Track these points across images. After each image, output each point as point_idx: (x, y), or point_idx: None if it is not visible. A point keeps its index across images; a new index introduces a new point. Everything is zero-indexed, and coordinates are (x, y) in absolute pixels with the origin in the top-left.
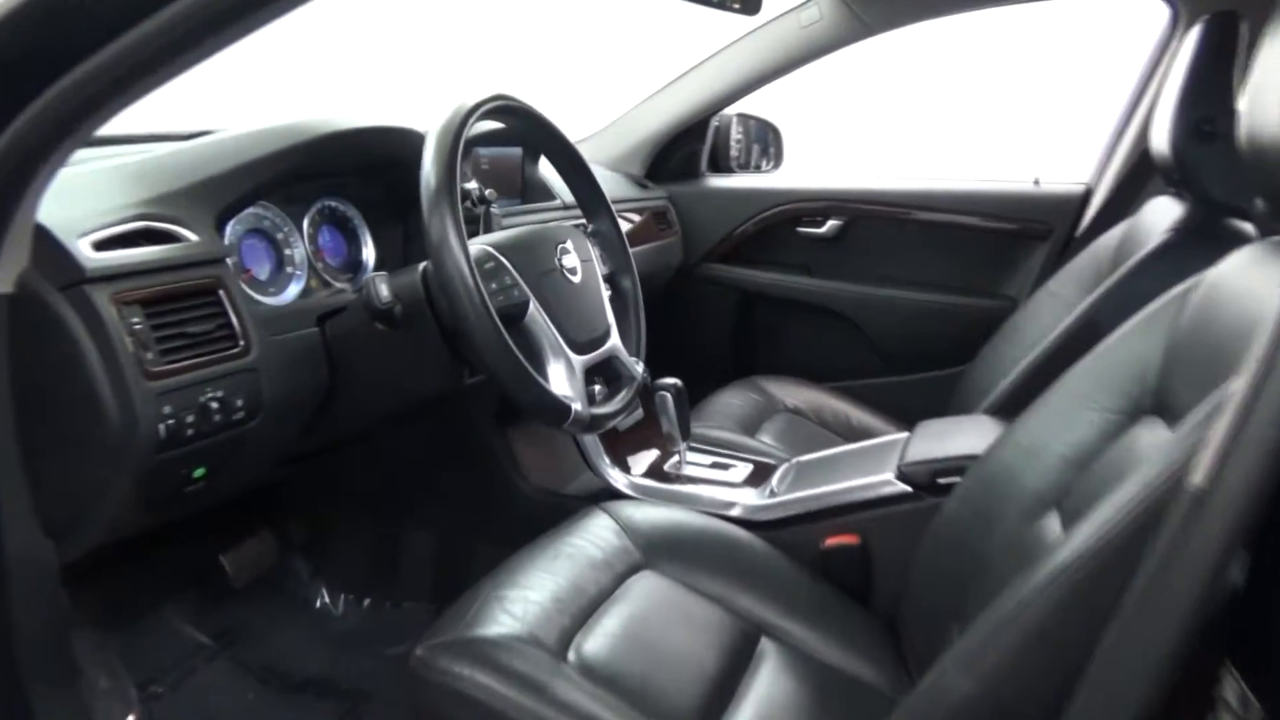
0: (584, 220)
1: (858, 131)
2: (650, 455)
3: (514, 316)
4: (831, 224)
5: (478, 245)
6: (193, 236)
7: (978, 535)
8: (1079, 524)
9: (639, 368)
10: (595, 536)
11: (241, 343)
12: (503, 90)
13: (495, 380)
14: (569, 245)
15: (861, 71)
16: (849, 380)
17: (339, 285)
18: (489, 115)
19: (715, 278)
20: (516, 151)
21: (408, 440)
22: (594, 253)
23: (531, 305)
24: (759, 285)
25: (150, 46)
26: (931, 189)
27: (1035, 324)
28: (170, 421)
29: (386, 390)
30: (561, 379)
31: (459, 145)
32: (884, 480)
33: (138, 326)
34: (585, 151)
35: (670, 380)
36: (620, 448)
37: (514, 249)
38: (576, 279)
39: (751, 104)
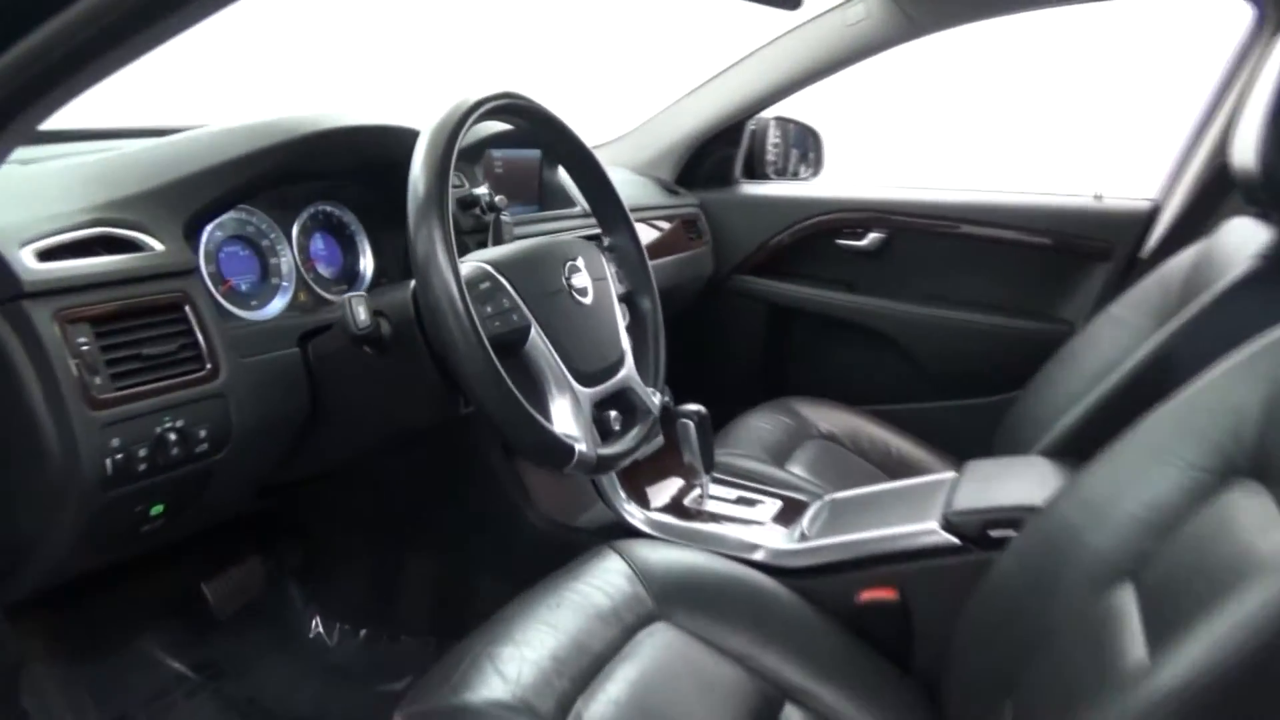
0: (601, 232)
1: (904, 139)
2: (670, 487)
3: (512, 344)
4: (874, 237)
5: (473, 262)
6: (158, 245)
7: (1036, 600)
8: (1176, 633)
9: (656, 399)
10: (604, 581)
11: (208, 365)
12: (510, 87)
13: (486, 418)
14: (580, 262)
15: (908, 75)
16: (889, 404)
17: (331, 298)
18: (493, 115)
19: (747, 291)
20: (535, 154)
21: (410, 463)
22: (609, 270)
23: (533, 331)
24: (794, 300)
25: (90, 28)
26: (983, 201)
27: (1095, 352)
28: (118, 455)
29: (374, 418)
30: (565, 415)
31: (454, 148)
32: (928, 529)
33: (85, 347)
34: (612, 155)
35: (693, 407)
36: (638, 478)
37: (515, 266)
38: (587, 300)
39: (790, 107)
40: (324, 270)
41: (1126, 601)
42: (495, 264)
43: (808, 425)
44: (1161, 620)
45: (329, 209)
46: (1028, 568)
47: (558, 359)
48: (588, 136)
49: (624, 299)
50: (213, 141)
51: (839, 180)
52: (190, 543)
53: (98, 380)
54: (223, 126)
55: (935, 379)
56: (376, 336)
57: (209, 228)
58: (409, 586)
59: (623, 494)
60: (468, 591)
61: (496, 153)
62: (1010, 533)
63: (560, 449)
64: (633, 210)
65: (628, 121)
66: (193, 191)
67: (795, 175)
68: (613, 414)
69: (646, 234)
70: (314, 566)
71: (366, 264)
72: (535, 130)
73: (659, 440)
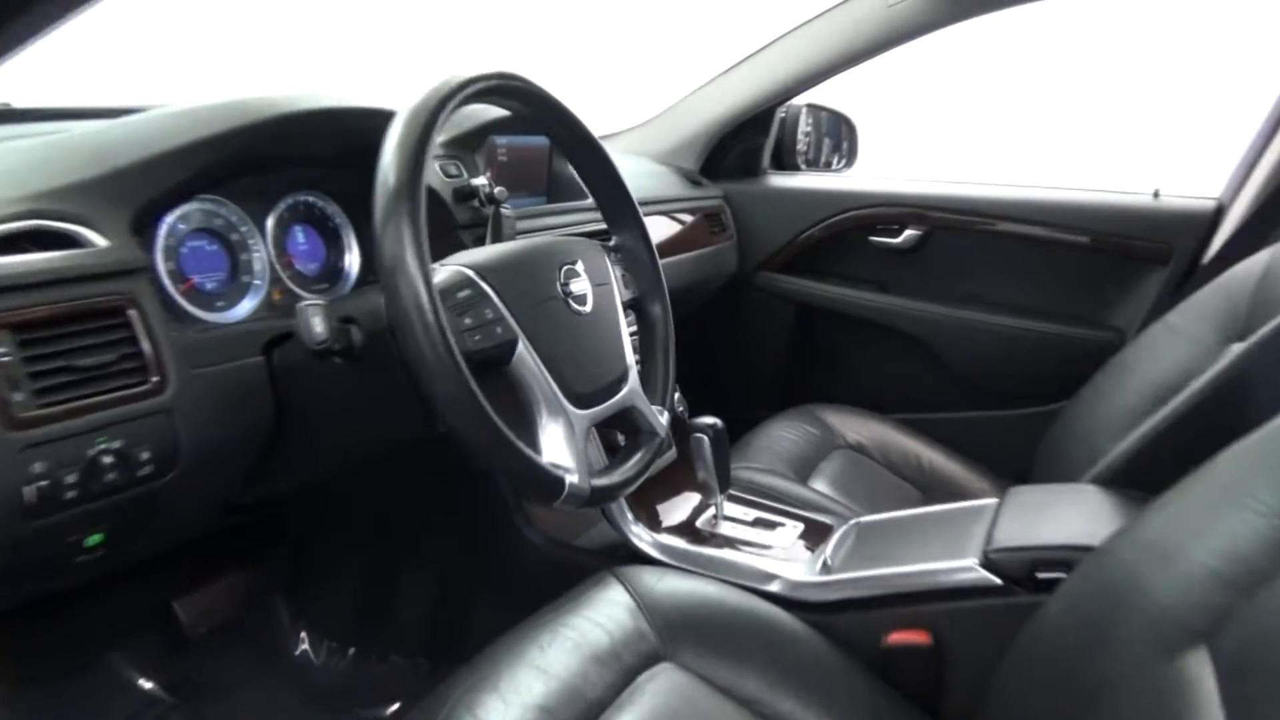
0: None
1: (943, 129)
2: (682, 506)
3: (495, 361)
4: (909, 234)
5: (452, 267)
6: (100, 240)
7: (1089, 654)
8: (1264, 714)
9: (664, 420)
10: (604, 615)
11: (153, 377)
12: (505, 66)
13: (462, 446)
14: (579, 265)
15: (950, 61)
16: (921, 413)
17: (310, 298)
18: (482, 97)
19: (773, 289)
20: (544, 141)
21: (406, 473)
22: (614, 274)
23: (520, 345)
24: (822, 299)
25: None
26: (1028, 198)
27: (1151, 365)
28: (43, 482)
29: (345, 435)
30: (556, 442)
31: (432, 134)
32: (965, 566)
33: (5, 359)
34: (631, 144)
35: (708, 420)
36: (647, 496)
37: (501, 270)
38: (586, 309)
39: (822, 94)
40: (303, 267)
41: (1200, 669)
42: (478, 268)
43: (834, 434)
44: (1244, 698)
45: (311, 199)
46: (1080, 616)
47: (548, 378)
48: (604, 124)
49: (631, 305)
50: (168, 124)
51: (873, 173)
52: (162, 556)
53: (18, 396)
54: (180, 107)
55: (971, 388)
56: (346, 347)
57: (168, 219)
58: (401, 603)
59: (629, 514)
60: (462, 611)
61: (501, 139)
62: (1060, 575)
63: (547, 481)
64: (653, 202)
65: (649, 108)
66: (143, 180)
67: (827, 167)
68: (620, 436)
69: (667, 227)
70: (304, 580)
71: (351, 261)
72: (534, 115)
73: (671, 455)
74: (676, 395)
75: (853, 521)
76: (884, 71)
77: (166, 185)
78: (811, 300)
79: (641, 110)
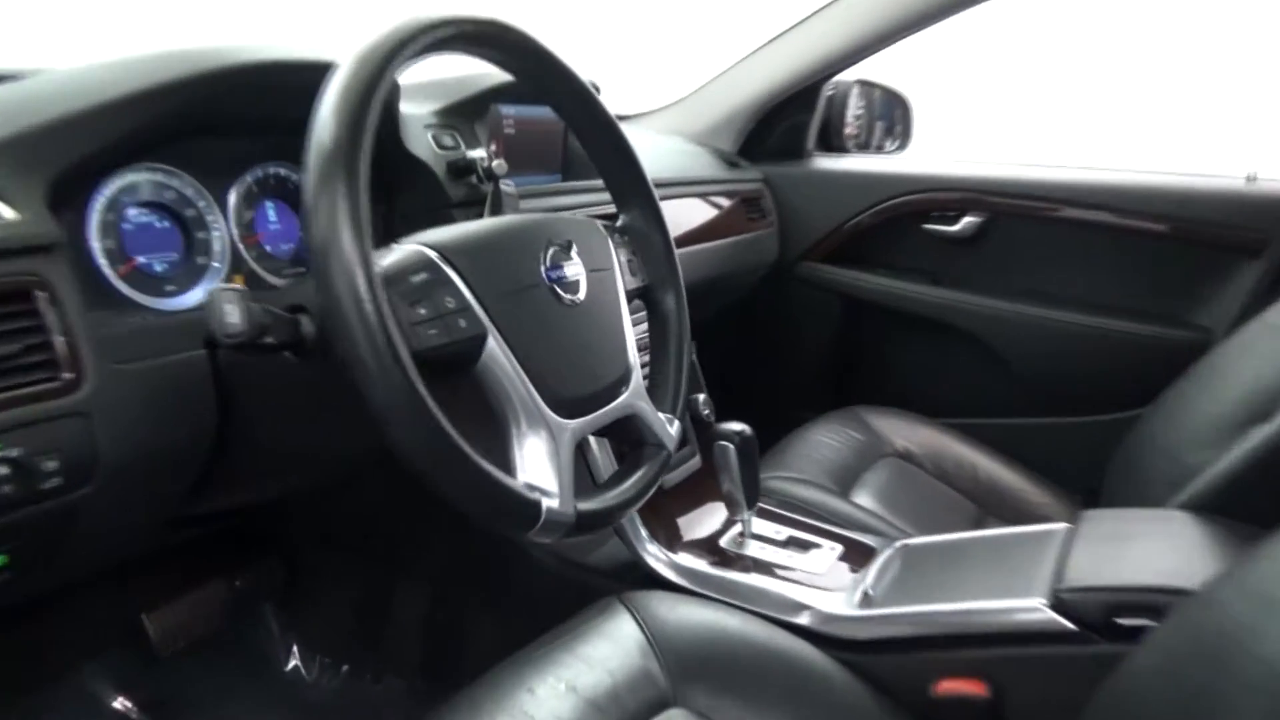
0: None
1: (1007, 106)
2: (704, 522)
3: (458, 360)
4: (968, 220)
5: (409, 246)
6: (7, 213)
7: None
8: None
9: (673, 431)
10: (607, 650)
11: (66, 374)
12: (483, 10)
13: (408, 465)
14: (572, 249)
15: (1015, 30)
16: (977, 418)
17: (278, 283)
18: (450, 44)
19: (816, 280)
20: None
21: (394, 478)
22: (617, 258)
23: (490, 342)
24: (870, 292)
25: None
26: (1101, 181)
27: (1248, 371)
28: None
29: (298, 445)
30: (536, 458)
31: (379, 87)
32: (1031, 607)
33: None
34: (665, 123)
35: (735, 427)
36: (664, 509)
37: (471, 250)
38: (578, 297)
39: (872, 69)
40: (273, 249)
41: None
42: (441, 248)
43: (880, 440)
44: None
45: (283, 172)
46: (1176, 677)
47: (525, 380)
48: (633, 103)
49: (639, 295)
50: (91, 78)
51: (929, 154)
52: (131, 564)
53: None
54: (104, 60)
55: (1035, 391)
56: (292, 340)
57: (106, 191)
58: (396, 619)
59: (643, 530)
60: (458, 630)
61: (507, 109)
62: (1146, 622)
63: (518, 507)
64: (684, 182)
65: (684, 85)
66: (58, 143)
67: (879, 149)
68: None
69: (699, 211)
70: (296, 590)
71: None
72: (522, 70)
73: (694, 463)
74: (702, 397)
75: (899, 543)
76: (940, 43)
77: (89, 149)
78: (858, 293)
79: (674, 88)
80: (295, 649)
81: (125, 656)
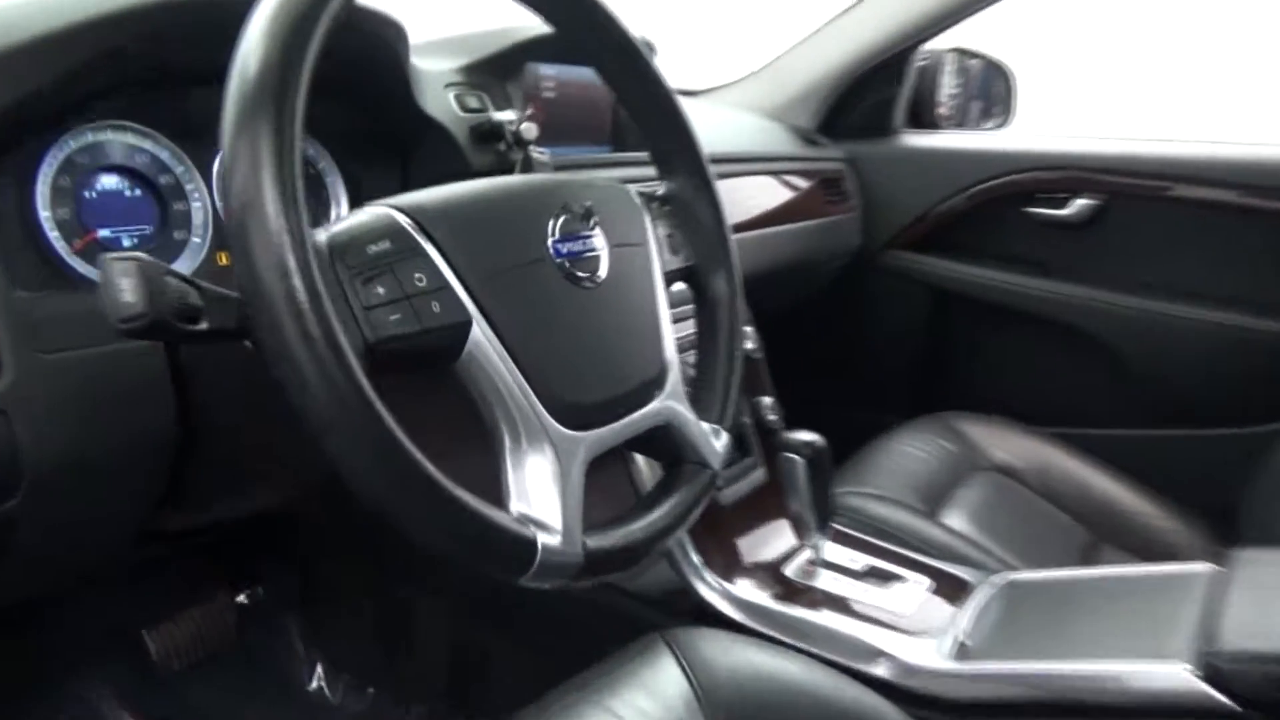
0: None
1: (1125, 70)
2: (768, 544)
3: (430, 355)
4: (1080, 203)
5: (377, 208)
6: None
7: None
8: None
9: (719, 445)
10: (646, 704)
11: None
12: None
13: (354, 490)
14: (591, 218)
15: None
16: (1090, 428)
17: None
18: None
19: (904, 270)
20: None
21: None
22: (653, 232)
23: (476, 331)
24: (964, 284)
25: None
26: (1239, 157)
27: None
28: None
29: (277, 452)
30: (537, 483)
31: (324, 13)
32: (1174, 674)
33: None
34: (739, 97)
35: (806, 436)
36: (721, 528)
37: (453, 215)
38: (597, 277)
39: (969, 34)
40: None
41: None
42: (414, 210)
43: (976, 452)
44: None
45: None
46: None
47: (521, 381)
48: (700, 78)
49: (682, 276)
50: (19, 10)
51: (1033, 129)
52: (132, 574)
53: None
54: None
55: (1160, 398)
56: (236, 327)
57: (58, 153)
58: (418, 639)
59: (695, 554)
60: (484, 653)
61: (547, 69)
62: None
63: (505, 545)
64: (756, 159)
65: (758, 56)
66: None
67: (977, 125)
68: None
69: (773, 192)
70: (315, 603)
71: (338, 215)
72: (544, 8)
73: (758, 476)
74: (769, 400)
75: (1001, 579)
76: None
77: (11, 95)
78: (950, 284)
79: (747, 60)
80: (320, 668)
81: (129, 672)
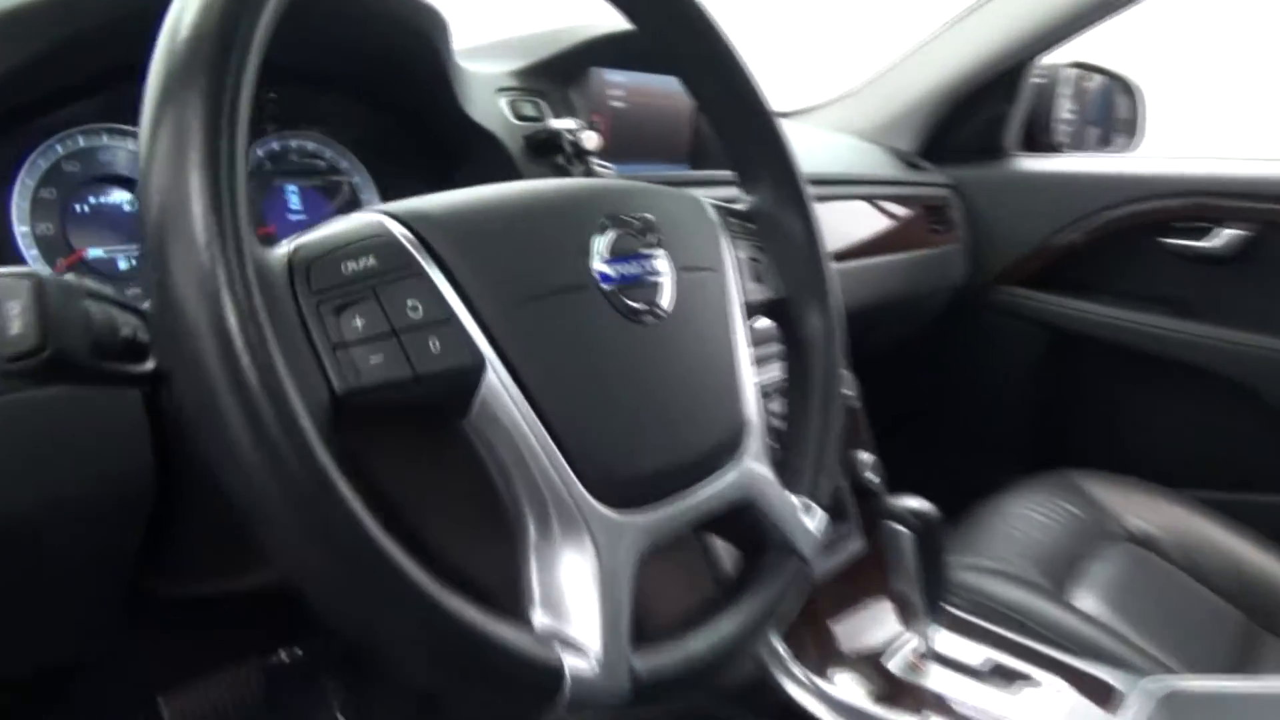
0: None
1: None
2: (866, 630)
3: (427, 410)
4: (1226, 235)
5: (367, 214)
6: None
7: None
8: None
9: (812, 526)
10: None
11: None
12: None
13: (314, 604)
14: (651, 234)
15: None
16: (1239, 492)
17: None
18: None
19: (1017, 307)
20: None
21: None
22: (730, 255)
23: (490, 378)
24: (1088, 324)
25: None
26: None
27: None
28: None
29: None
30: (571, 585)
31: None
32: None
33: None
34: (833, 119)
35: (913, 503)
36: (814, 608)
37: (465, 227)
38: (658, 310)
39: (1087, 47)
40: (283, 235)
41: None
42: (414, 219)
43: (1105, 517)
44: None
45: (309, 145)
46: None
47: (550, 446)
48: (794, 98)
49: (767, 311)
50: None
51: (1163, 152)
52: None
53: None
54: None
55: None
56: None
57: (39, 160)
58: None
59: (780, 642)
60: None
61: (615, 75)
62: None
63: (520, 672)
64: (854, 181)
65: (855, 75)
66: None
67: (1100, 148)
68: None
69: (870, 219)
70: (359, 667)
71: None
72: (628, 5)
73: (855, 546)
74: (867, 456)
75: (1158, 686)
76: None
77: None
78: (1071, 324)
79: (844, 79)
80: None
81: None
